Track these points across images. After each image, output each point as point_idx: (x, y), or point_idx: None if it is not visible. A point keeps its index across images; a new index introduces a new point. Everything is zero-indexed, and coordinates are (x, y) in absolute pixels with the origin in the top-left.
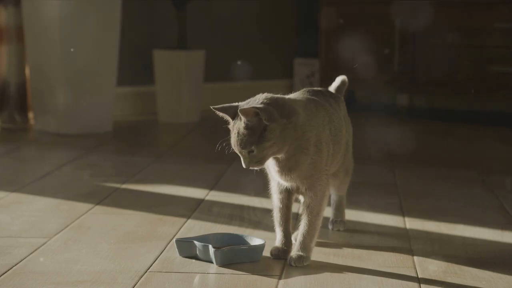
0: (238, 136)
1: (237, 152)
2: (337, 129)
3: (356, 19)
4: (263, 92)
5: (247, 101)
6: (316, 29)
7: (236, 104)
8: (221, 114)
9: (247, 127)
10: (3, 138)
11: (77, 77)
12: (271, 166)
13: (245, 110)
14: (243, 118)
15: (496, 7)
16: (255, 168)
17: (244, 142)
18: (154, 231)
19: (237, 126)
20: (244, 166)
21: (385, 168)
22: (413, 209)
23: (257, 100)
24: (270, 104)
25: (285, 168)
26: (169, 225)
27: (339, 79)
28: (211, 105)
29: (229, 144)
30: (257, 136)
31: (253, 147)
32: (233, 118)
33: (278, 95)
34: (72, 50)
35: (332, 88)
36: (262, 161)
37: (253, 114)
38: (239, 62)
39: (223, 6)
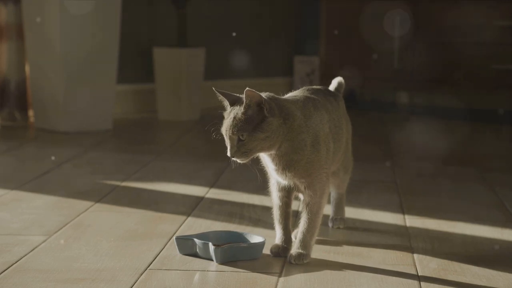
0: (233, 120)
1: (227, 138)
2: (337, 127)
3: (356, 17)
4: (263, 91)
5: None
6: (316, 27)
7: (237, 95)
8: (220, 97)
9: (246, 113)
10: (3, 136)
11: (77, 75)
12: (268, 164)
13: (253, 93)
14: (244, 104)
15: (496, 4)
16: (238, 161)
17: (238, 127)
18: (154, 229)
19: (235, 112)
20: (228, 154)
21: (385, 166)
22: (413, 206)
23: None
24: (272, 101)
25: (280, 166)
26: (169, 222)
27: (335, 81)
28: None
29: (218, 130)
30: (253, 125)
31: (245, 135)
32: (231, 105)
33: (280, 97)
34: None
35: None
36: (248, 153)
37: (257, 100)
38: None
39: (223, 3)
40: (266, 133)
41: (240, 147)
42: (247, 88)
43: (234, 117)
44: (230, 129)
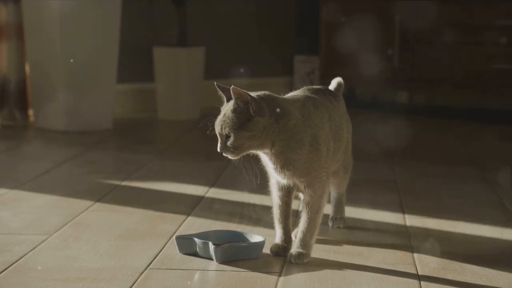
0: (223, 117)
1: (217, 133)
2: (337, 127)
3: (356, 16)
4: (263, 90)
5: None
6: (317, 26)
7: None
8: (220, 92)
9: (234, 111)
10: (3, 135)
11: (77, 75)
12: (267, 163)
13: (239, 91)
14: (233, 101)
15: (496, 4)
16: (229, 157)
17: (225, 124)
18: (154, 228)
19: (226, 108)
20: (218, 149)
21: (385, 165)
22: (413, 206)
23: (256, 93)
24: (265, 100)
25: (278, 165)
26: (169, 222)
27: (335, 82)
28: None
29: (213, 125)
30: (240, 123)
31: (231, 132)
32: (227, 100)
33: (278, 96)
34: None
35: None
36: (236, 151)
37: (244, 99)
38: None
39: (223, 3)
40: (252, 132)
41: (227, 144)
42: (232, 86)
43: (224, 114)
44: (218, 125)
